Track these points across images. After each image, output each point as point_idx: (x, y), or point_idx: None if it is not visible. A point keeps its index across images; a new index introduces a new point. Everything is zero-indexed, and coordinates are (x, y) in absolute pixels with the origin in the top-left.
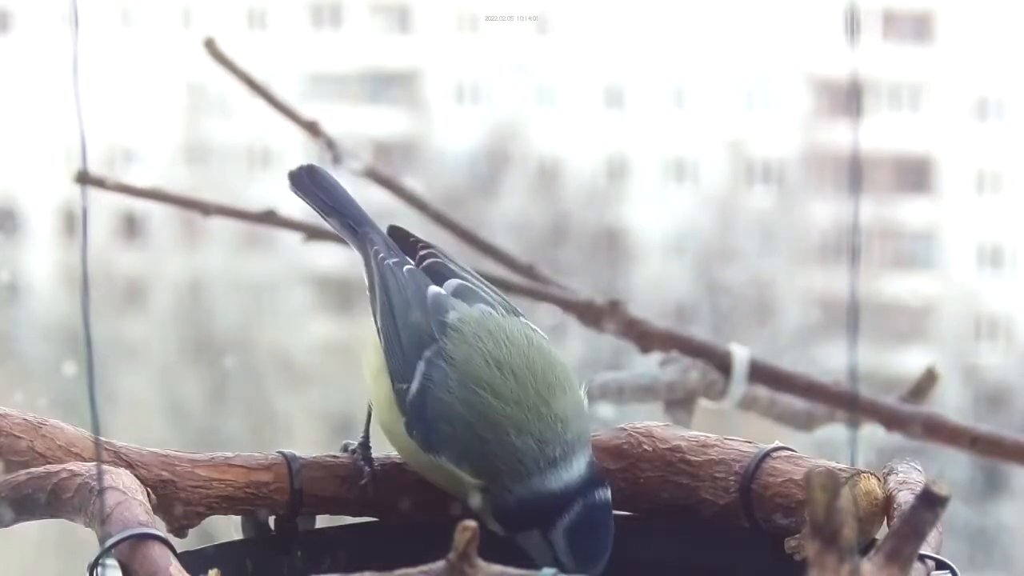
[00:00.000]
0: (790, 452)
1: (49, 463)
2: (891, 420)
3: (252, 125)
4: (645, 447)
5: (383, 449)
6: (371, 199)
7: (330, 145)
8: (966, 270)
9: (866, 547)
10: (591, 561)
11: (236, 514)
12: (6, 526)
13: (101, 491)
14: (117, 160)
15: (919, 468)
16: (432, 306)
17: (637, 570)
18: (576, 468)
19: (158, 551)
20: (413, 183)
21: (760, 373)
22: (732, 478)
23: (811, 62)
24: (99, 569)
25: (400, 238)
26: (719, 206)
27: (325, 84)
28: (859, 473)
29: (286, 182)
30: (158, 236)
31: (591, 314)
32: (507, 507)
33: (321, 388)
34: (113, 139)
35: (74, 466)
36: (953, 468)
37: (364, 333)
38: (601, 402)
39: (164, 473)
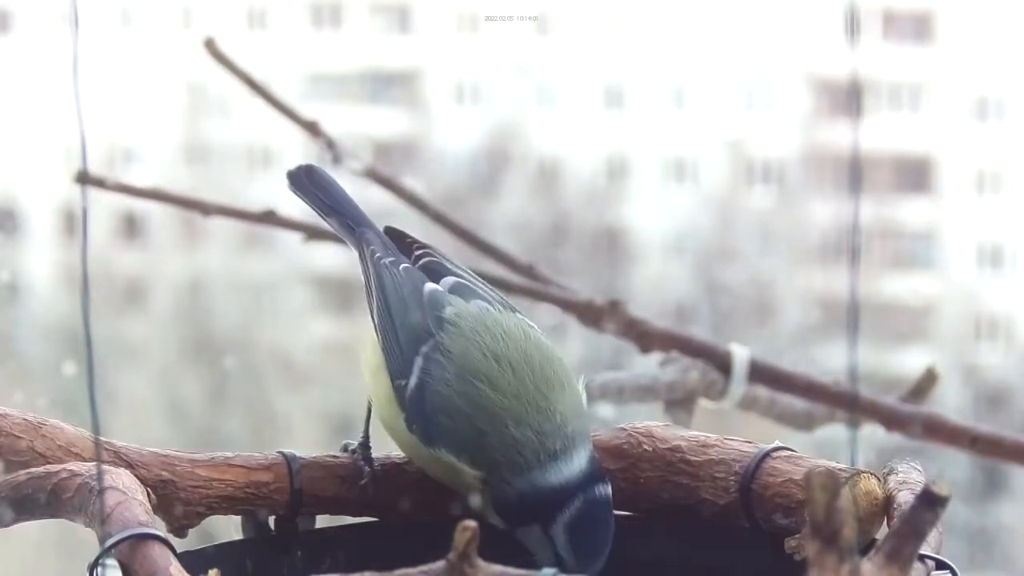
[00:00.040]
0: (790, 452)
1: (49, 463)
2: (891, 420)
3: (252, 125)
4: (645, 447)
5: (383, 449)
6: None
7: (330, 145)
8: (966, 270)
9: (866, 547)
10: (591, 557)
11: (236, 514)
12: (6, 526)
13: (101, 491)
14: (117, 160)
15: (919, 468)
16: (429, 302)
17: (637, 570)
18: (576, 463)
19: (158, 551)
20: (413, 183)
21: (760, 373)
22: (732, 478)
23: (811, 62)
24: (99, 569)
25: (396, 238)
26: (719, 206)
27: (325, 84)
28: (859, 473)
29: (285, 182)
30: (158, 236)
31: (591, 314)
32: (507, 500)
33: (321, 388)
34: (113, 139)
35: (74, 466)
36: (953, 468)
37: (363, 332)
38: (601, 402)
39: (164, 473)
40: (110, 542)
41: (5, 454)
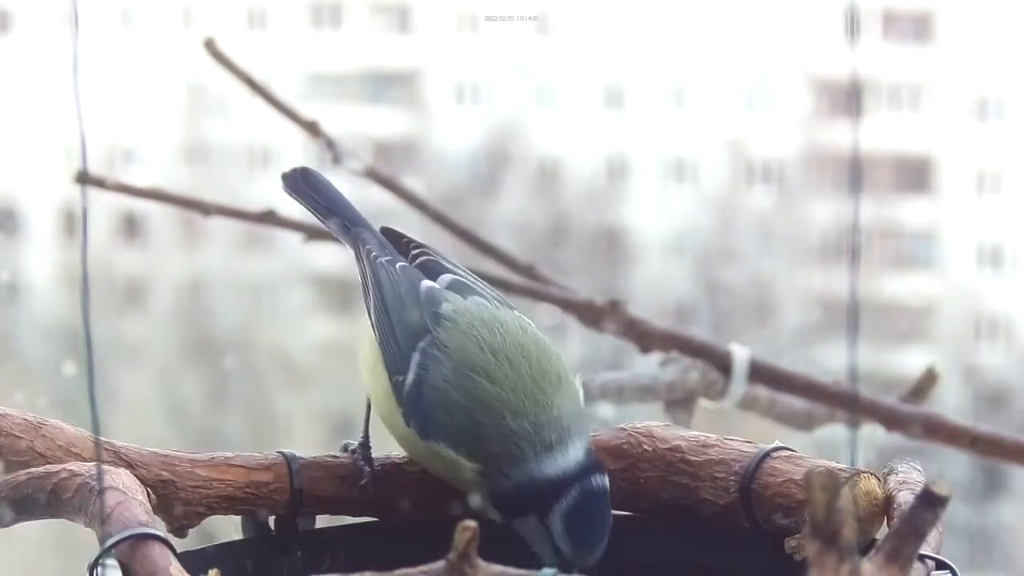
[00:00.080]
0: (790, 452)
1: (49, 463)
2: (891, 420)
3: (252, 125)
4: (645, 447)
5: (383, 449)
6: (371, 199)
7: (330, 145)
8: (966, 270)
9: (866, 547)
10: (589, 547)
11: (236, 514)
12: (6, 526)
13: (101, 491)
14: (117, 160)
15: (919, 468)
16: (425, 299)
17: (637, 570)
18: (573, 454)
19: (158, 551)
20: (413, 183)
21: (760, 373)
22: (732, 478)
23: (811, 62)
24: (99, 569)
25: (393, 238)
26: (719, 206)
27: (325, 84)
28: (859, 473)
29: (280, 183)
30: (158, 236)
31: (591, 314)
32: (504, 492)
33: (321, 388)
34: (113, 139)
35: (74, 466)
36: (953, 468)
37: (361, 330)
38: (601, 402)
39: (164, 473)
40: (110, 542)
41: (5, 454)
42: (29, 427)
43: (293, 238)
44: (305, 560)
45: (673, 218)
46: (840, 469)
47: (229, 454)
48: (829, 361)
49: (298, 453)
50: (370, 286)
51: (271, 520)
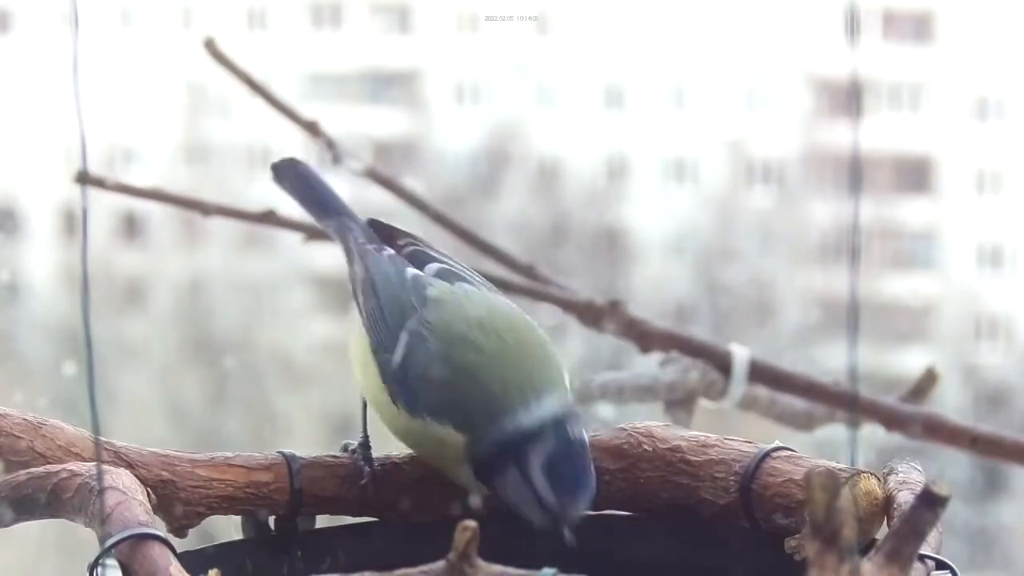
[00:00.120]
0: (790, 452)
1: (49, 463)
2: (891, 420)
3: (252, 125)
4: (645, 447)
5: (383, 449)
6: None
7: (330, 145)
8: (966, 270)
9: (866, 547)
10: (573, 495)
11: (236, 514)
12: (6, 526)
13: (101, 491)
14: (117, 160)
15: (919, 468)
16: (412, 285)
17: (637, 570)
18: (548, 407)
19: (158, 551)
20: (413, 183)
21: (760, 373)
22: (732, 478)
23: (811, 62)
24: (99, 569)
25: (380, 230)
26: (719, 206)
27: (325, 84)
28: (859, 473)
29: (269, 174)
30: (158, 236)
31: (591, 314)
32: (483, 454)
33: (321, 388)
34: (113, 139)
35: (74, 466)
36: (953, 468)
37: (350, 324)
38: (601, 402)
39: (164, 473)
40: (110, 542)
41: (5, 454)
42: (29, 427)
43: (293, 238)
44: (305, 560)
45: (673, 218)
46: (840, 469)
47: (229, 454)
48: (829, 361)
49: (298, 453)
50: (358, 272)
51: (271, 520)
